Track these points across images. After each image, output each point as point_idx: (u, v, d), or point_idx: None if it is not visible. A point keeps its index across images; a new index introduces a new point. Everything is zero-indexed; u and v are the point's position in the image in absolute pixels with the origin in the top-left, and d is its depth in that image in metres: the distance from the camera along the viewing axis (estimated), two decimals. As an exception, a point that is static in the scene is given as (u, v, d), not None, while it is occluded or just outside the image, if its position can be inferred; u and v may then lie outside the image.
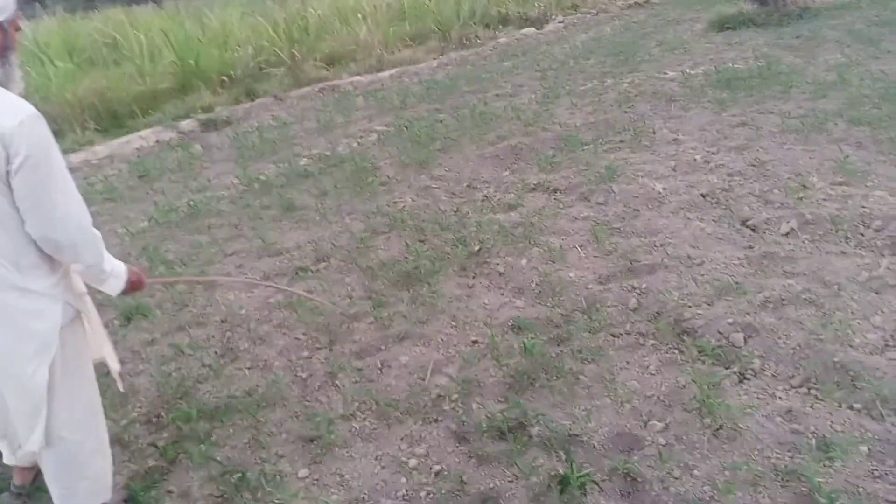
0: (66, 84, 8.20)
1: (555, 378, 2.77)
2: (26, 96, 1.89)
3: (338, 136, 6.80)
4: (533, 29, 11.38)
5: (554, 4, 12.60)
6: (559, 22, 11.77)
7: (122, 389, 2.44)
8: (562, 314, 3.22)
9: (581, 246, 3.86)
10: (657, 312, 3.14)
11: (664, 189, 4.47)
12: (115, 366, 2.35)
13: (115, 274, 2.06)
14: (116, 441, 2.72)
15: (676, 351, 2.89)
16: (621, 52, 8.85)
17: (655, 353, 2.89)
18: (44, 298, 1.90)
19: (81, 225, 1.86)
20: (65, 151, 6.45)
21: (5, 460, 2.40)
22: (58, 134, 7.43)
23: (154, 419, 2.86)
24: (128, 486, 2.46)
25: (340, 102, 8.13)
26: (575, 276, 3.54)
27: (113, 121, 7.85)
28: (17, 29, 1.90)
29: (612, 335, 3.04)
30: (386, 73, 9.29)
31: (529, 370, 2.82)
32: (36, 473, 2.27)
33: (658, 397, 2.62)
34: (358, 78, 9.14)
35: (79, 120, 7.54)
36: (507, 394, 2.73)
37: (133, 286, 2.15)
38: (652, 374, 2.76)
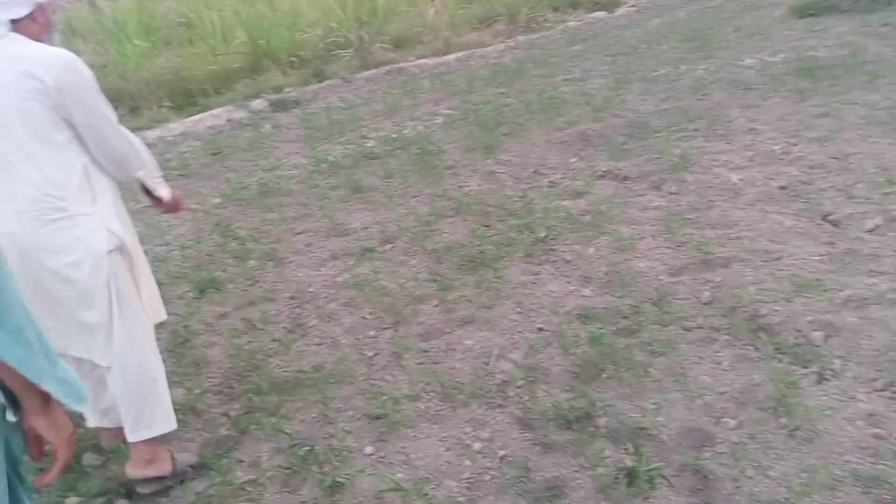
0: (143, 62, 8.44)
1: (623, 369, 2.72)
2: (95, 70, 2.13)
3: (404, 118, 6.81)
4: (604, 13, 11.13)
5: (627, -13, 12.28)
6: (631, 6, 11.47)
7: None
8: (631, 305, 3.16)
9: (652, 236, 3.77)
10: (732, 307, 3.05)
11: (740, 180, 4.33)
12: (154, 317, 2.42)
13: (163, 182, 2.41)
14: (190, 409, 2.82)
15: (751, 347, 2.80)
16: (696, 38, 8.57)
17: (729, 348, 2.81)
18: (87, 222, 2.10)
19: (126, 139, 2.18)
20: (141, 128, 6.73)
21: (90, 423, 2.52)
22: (134, 111, 7.72)
23: (226, 390, 2.94)
24: (200, 454, 2.54)
25: (407, 85, 8.13)
26: (645, 267, 3.46)
27: (187, 99, 8.04)
28: (55, 11, 2.17)
29: (684, 328, 2.97)
30: (452, 56, 9.24)
31: (597, 360, 2.78)
32: (123, 438, 2.37)
33: (731, 394, 2.55)
34: (424, 61, 9.12)
35: (154, 97, 7.77)
36: (573, 383, 2.70)
37: (175, 201, 2.49)
38: (725, 370, 2.69)
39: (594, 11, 11.27)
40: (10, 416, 1.28)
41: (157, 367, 2.33)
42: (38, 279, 2.09)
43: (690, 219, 3.92)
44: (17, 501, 1.46)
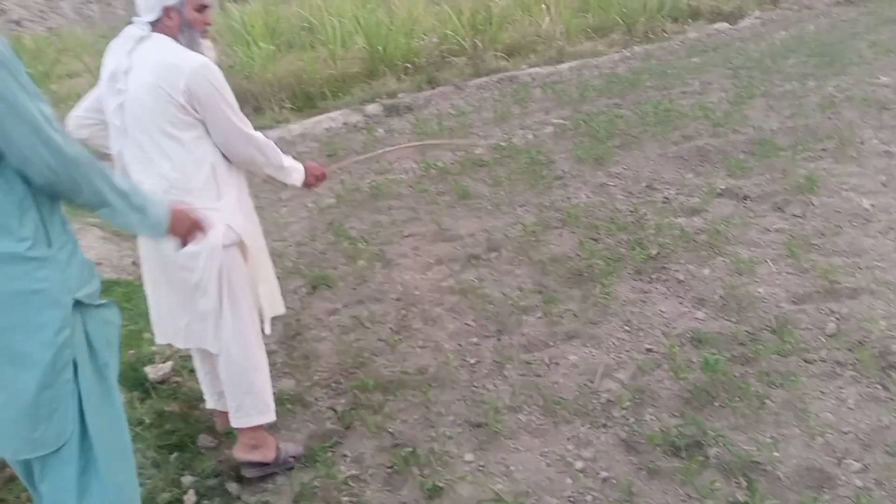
0: (268, 65, 8.86)
1: (737, 399, 2.61)
2: (230, 75, 2.22)
3: (514, 126, 6.81)
4: (726, 24, 10.70)
5: (751, -1, 11.77)
6: (756, 18, 10.97)
7: (267, 332, 2.62)
8: (748, 332, 3.02)
9: (773, 260, 3.59)
10: (859, 341, 2.86)
11: (872, 206, 4.05)
12: (269, 310, 2.53)
13: (295, 168, 2.47)
14: (298, 400, 2.93)
15: (880, 387, 2.61)
16: (826, 53, 8.10)
17: (855, 385, 2.64)
18: (209, 216, 2.16)
19: (251, 139, 2.28)
20: (263, 127, 7.03)
21: (208, 405, 2.67)
22: (257, 110, 8.08)
23: (333, 384, 3.03)
24: (306, 445, 2.63)
25: (518, 93, 8.12)
26: (765, 292, 3.30)
27: (306, 101, 8.36)
28: (200, 9, 2.22)
29: (805, 360, 2.81)
30: (565, 65, 9.14)
31: (709, 387, 2.68)
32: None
33: (856, 435, 2.39)
34: (537, 69, 9.08)
35: (276, 99, 8.12)
36: (683, 409, 2.61)
37: (316, 179, 2.56)
38: (850, 408, 2.52)
39: (716, 22, 10.85)
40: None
41: (259, 360, 2.43)
42: (164, 264, 2.28)
43: (816, 244, 3.71)
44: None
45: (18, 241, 1.45)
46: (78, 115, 2.36)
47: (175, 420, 2.83)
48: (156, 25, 2.18)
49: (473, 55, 9.28)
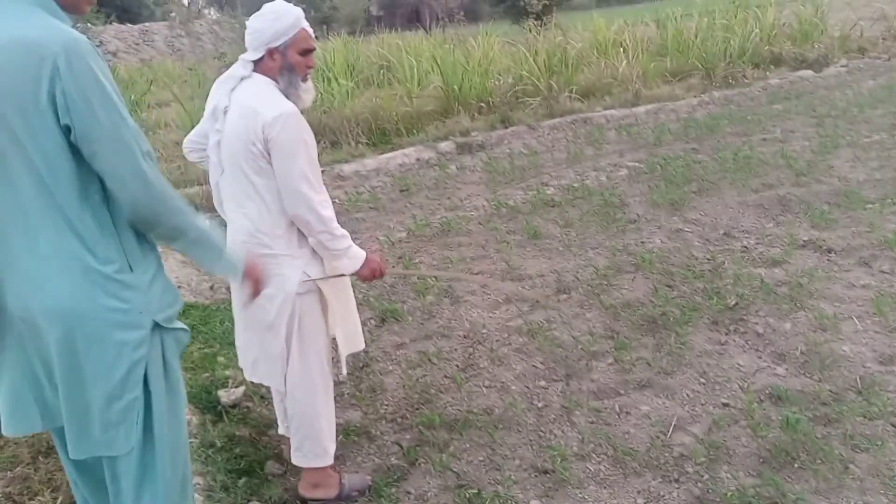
0: (346, 101, 9.15)
1: (819, 461, 2.48)
2: (309, 109, 2.26)
3: (586, 168, 6.79)
4: (810, 72, 10.43)
5: (837, 46, 11.41)
6: (842, 66, 10.66)
7: (343, 373, 2.64)
8: (831, 391, 2.88)
9: (858, 317, 3.43)
10: (955, 409, 2.69)
11: (970, 265, 3.83)
12: (344, 349, 2.54)
13: (351, 255, 2.33)
14: (364, 433, 2.95)
15: (980, 460, 2.44)
16: (918, 103, 7.80)
17: (950, 456, 2.47)
18: (286, 265, 2.26)
19: (309, 204, 2.18)
20: (339, 161, 7.22)
21: (280, 430, 2.71)
22: (335, 145, 8.31)
23: (398, 419, 3.04)
24: (372, 477, 2.64)
25: (591, 135, 8.11)
26: (849, 351, 3.15)
27: (381, 136, 8.56)
28: (304, 53, 2.24)
29: (894, 426, 2.65)
30: (641, 109, 9.08)
31: (789, 447, 2.55)
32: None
33: (953, 510, 2.23)
34: (612, 112, 9.05)
35: (353, 133, 8.35)
36: (760, 468, 2.50)
37: (371, 273, 2.39)
38: (945, 480, 2.36)
39: (799, 70, 10.60)
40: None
41: (321, 407, 2.43)
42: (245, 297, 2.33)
43: (906, 303, 3.52)
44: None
45: (104, 262, 1.54)
46: (191, 139, 2.47)
47: (245, 445, 2.88)
48: (258, 65, 2.23)
49: (548, 96, 9.33)
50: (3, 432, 1.68)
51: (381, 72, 11.52)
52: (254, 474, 2.73)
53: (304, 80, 2.27)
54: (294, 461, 2.48)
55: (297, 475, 2.65)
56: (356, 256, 2.34)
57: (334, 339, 2.47)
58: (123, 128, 1.50)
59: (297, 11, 2.24)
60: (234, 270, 1.85)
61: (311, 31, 2.27)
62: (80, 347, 1.53)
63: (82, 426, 1.60)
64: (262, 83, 2.22)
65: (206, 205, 6.60)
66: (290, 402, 2.42)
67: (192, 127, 2.53)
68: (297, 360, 2.34)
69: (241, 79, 2.24)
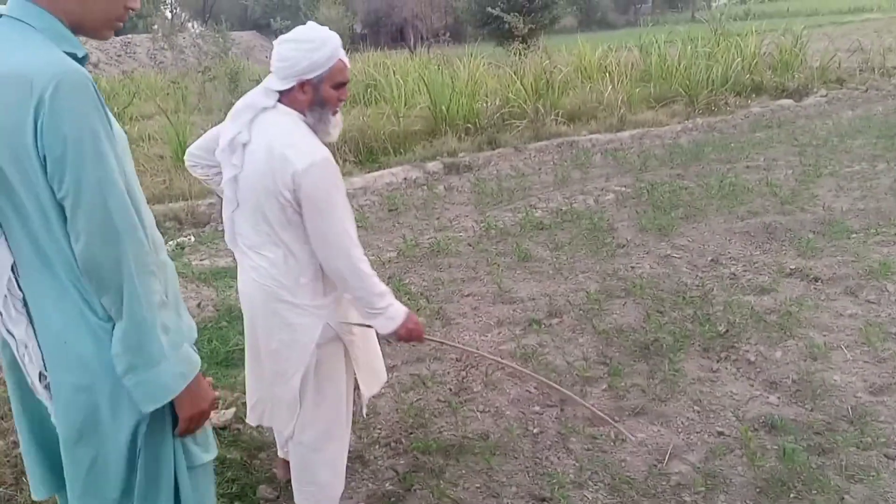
0: (334, 118, 9.16)
1: (815, 492, 2.49)
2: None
3: (574, 191, 6.84)
4: (790, 101, 10.65)
5: (816, 77, 11.67)
6: (821, 96, 10.89)
7: (363, 416, 2.61)
8: (824, 421, 2.90)
9: (848, 347, 3.47)
10: (947, 440, 2.72)
11: (953, 296, 3.91)
12: (367, 392, 2.51)
13: (389, 315, 2.13)
14: (358, 457, 2.91)
15: (972, 491, 2.47)
16: (896, 135, 7.98)
17: (943, 487, 2.50)
18: (308, 315, 2.13)
19: (349, 260, 2.03)
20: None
21: (280, 454, 2.67)
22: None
23: (393, 443, 3.00)
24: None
25: (578, 158, 8.19)
26: (840, 381, 3.18)
27: (369, 155, 8.58)
28: (338, 86, 2.07)
29: (887, 456, 2.67)
30: (626, 133, 9.20)
31: (785, 477, 2.57)
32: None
33: (949, 543, 2.25)
34: (597, 136, 9.15)
35: (341, 152, 8.35)
36: (758, 498, 2.50)
37: (408, 334, 2.19)
38: (940, 512, 2.38)
39: (780, 98, 10.82)
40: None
41: (331, 455, 2.32)
42: (259, 340, 2.24)
43: (893, 333, 3.57)
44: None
45: (106, 318, 1.41)
46: (193, 154, 2.34)
47: (236, 468, 2.83)
48: (284, 95, 2.05)
49: (535, 119, 9.43)
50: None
51: (368, 90, 11.55)
52: (246, 499, 2.68)
53: (335, 114, 2.10)
54: (296, 500, 2.41)
55: (290, 498, 2.60)
56: (395, 317, 2.14)
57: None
58: (108, 187, 1.32)
59: (336, 41, 2.04)
60: (156, 396, 1.43)
61: (347, 61, 2.08)
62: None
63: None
64: (288, 117, 2.04)
65: (192, 220, 6.56)
66: (293, 449, 2.33)
67: (178, 140, 2.45)
68: (310, 409, 2.22)
69: (263, 110, 2.05)
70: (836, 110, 10.06)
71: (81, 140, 1.28)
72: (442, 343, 2.74)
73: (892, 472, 2.60)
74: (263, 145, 2.00)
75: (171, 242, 5.82)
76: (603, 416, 2.62)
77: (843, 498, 2.47)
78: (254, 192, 2.04)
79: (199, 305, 4.48)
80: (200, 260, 5.50)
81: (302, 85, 2.02)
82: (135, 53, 28.07)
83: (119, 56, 27.73)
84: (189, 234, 6.19)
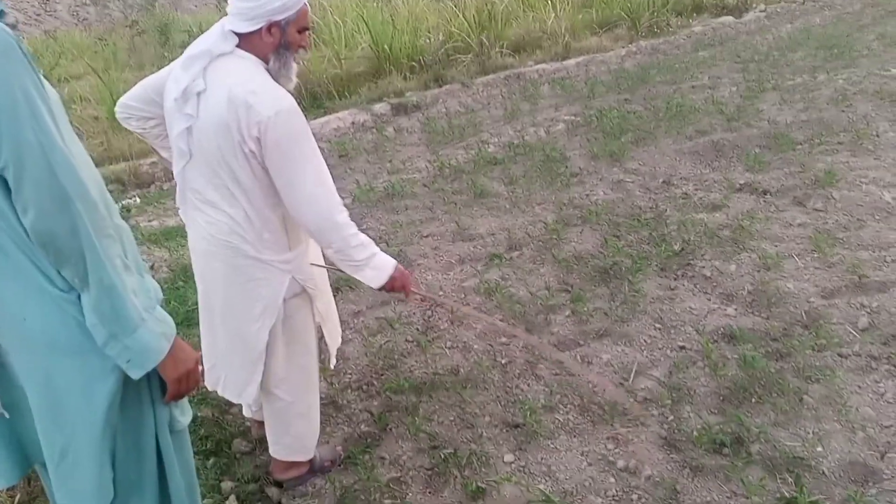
0: (273, 65, 8.84)
1: (776, 395, 2.60)
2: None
3: (525, 124, 6.80)
4: (731, 18, 10.69)
5: (755, -9, 11.75)
6: (760, 11, 10.96)
7: (332, 365, 2.61)
8: (780, 327, 3.02)
9: (799, 255, 3.59)
10: (893, 335, 2.86)
11: (893, 199, 4.05)
12: (333, 343, 2.51)
13: (375, 266, 2.07)
14: (331, 403, 2.92)
15: (918, 380, 2.61)
16: (834, 46, 8.10)
17: (891, 379, 2.64)
18: (274, 270, 2.08)
19: (326, 211, 1.95)
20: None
21: (245, 413, 2.66)
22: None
23: (365, 386, 3.02)
24: (345, 447, 2.63)
25: (526, 90, 8.12)
26: (794, 288, 3.30)
27: (313, 101, 8.34)
28: (302, 30, 2.00)
29: (840, 355, 2.80)
30: (572, 62, 9.14)
31: (747, 383, 2.67)
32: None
33: (898, 429, 2.39)
34: (543, 66, 9.07)
35: (283, 99, 8.10)
36: (722, 406, 2.61)
37: (394, 285, 2.13)
38: (889, 402, 2.52)
39: (720, 16, 10.84)
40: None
41: (305, 407, 2.32)
42: (214, 301, 2.17)
43: (840, 238, 3.70)
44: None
45: (66, 289, 1.34)
46: (128, 105, 2.15)
47: (209, 425, 2.82)
48: (244, 39, 1.93)
49: (479, 53, 9.26)
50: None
51: (307, 33, 11.16)
52: (221, 454, 2.68)
53: (296, 60, 2.02)
54: (272, 454, 2.41)
55: (265, 451, 2.60)
56: (382, 267, 2.08)
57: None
58: (51, 151, 1.23)
59: None
60: (140, 359, 1.40)
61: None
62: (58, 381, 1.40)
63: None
64: (247, 63, 1.93)
65: (135, 182, 6.34)
66: (268, 407, 2.30)
67: (112, 100, 2.27)
68: (281, 364, 2.20)
69: (219, 56, 1.92)
70: (776, 24, 10.15)
71: (15, 104, 1.19)
72: (426, 297, 2.71)
73: (847, 370, 2.73)
74: (223, 93, 1.87)
75: (115, 206, 5.62)
76: (547, 346, 2.67)
77: (801, 398, 2.59)
78: (212, 143, 1.92)
79: (152, 267, 4.37)
80: (149, 221, 5.35)
81: (270, 27, 1.91)
82: (55, 11, 26.51)
83: (38, 15, 26.16)
84: (134, 196, 5.99)
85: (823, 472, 2.26)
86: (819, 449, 2.34)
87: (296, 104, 1.92)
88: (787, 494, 2.16)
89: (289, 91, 1.98)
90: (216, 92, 1.89)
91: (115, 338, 1.34)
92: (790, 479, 2.22)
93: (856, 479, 2.23)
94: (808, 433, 2.41)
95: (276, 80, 1.97)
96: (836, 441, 2.37)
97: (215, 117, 1.89)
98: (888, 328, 2.91)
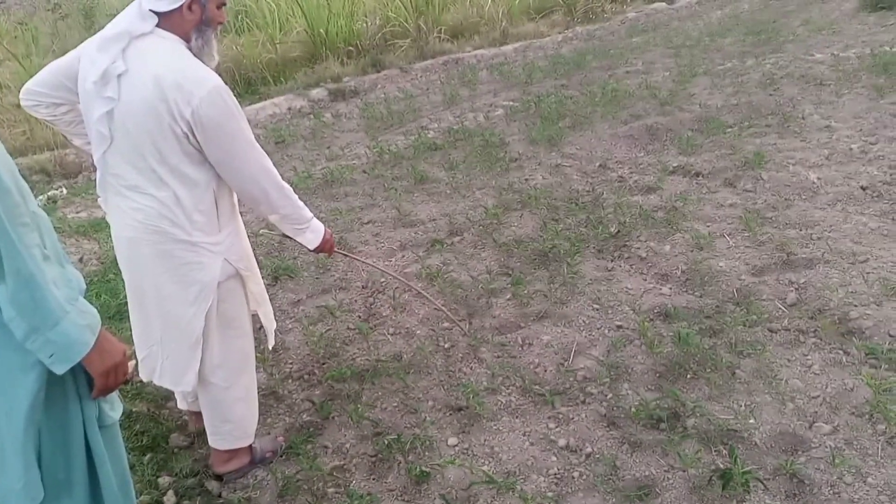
0: (205, 50, 8.58)
1: (710, 370, 2.68)
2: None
3: (464, 109, 6.80)
4: (663, 3, 10.93)
5: (686, -21, 12.01)
6: (691, -4, 11.25)
7: (270, 346, 2.58)
8: (713, 305, 3.11)
9: (730, 234, 3.70)
10: (819, 310, 2.98)
11: (818, 179, 4.21)
12: (269, 325, 2.48)
13: (314, 229, 2.22)
14: (271, 394, 2.87)
15: (841, 352, 2.73)
16: (762, 31, 8.37)
17: (818, 352, 2.75)
18: (206, 252, 2.04)
19: (270, 178, 2.01)
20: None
21: (180, 405, 2.58)
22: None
23: (306, 375, 2.98)
24: (287, 437, 2.58)
25: (464, 75, 8.12)
26: (725, 266, 3.40)
27: (247, 87, 8.16)
28: (220, 6, 1.98)
29: (770, 330, 2.90)
30: (510, 47, 9.18)
31: (682, 360, 2.74)
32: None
33: (824, 398, 2.49)
34: (481, 51, 9.08)
35: (217, 85, 7.89)
36: (658, 382, 2.67)
37: (325, 246, 2.29)
38: (816, 373, 2.62)
39: (653, 2, 11.08)
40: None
41: (242, 392, 2.29)
42: (145, 289, 2.09)
43: (769, 218, 3.83)
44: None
45: None
46: (35, 91, 2.05)
47: (144, 420, 2.74)
48: (165, 18, 1.88)
49: (417, 38, 9.22)
50: None
51: (239, 17, 10.86)
52: (158, 449, 2.61)
53: (216, 37, 1.99)
54: (211, 444, 2.35)
55: (204, 444, 2.54)
56: (319, 229, 2.24)
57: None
58: None
59: None
60: (65, 353, 1.35)
61: None
62: None
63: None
64: (169, 42, 1.89)
65: (61, 172, 6.07)
66: (205, 395, 2.25)
67: None
68: (217, 348, 2.15)
69: (139, 36, 1.87)
70: (706, 10, 10.43)
71: None
72: (346, 255, 2.76)
73: (776, 344, 2.83)
74: (149, 74, 1.82)
75: (41, 197, 5.37)
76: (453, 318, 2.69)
77: (734, 373, 2.67)
78: (139, 126, 1.86)
79: (81, 260, 4.20)
80: (76, 212, 5.13)
81: (191, 3, 1.88)
82: (-32, -7, 25.11)
83: (-50, -3, 24.74)
84: (60, 187, 5.73)
85: (756, 443, 2.34)
86: (751, 421, 2.42)
87: (221, 82, 1.89)
88: (721, 466, 2.22)
89: (213, 70, 1.94)
90: (139, 73, 1.84)
91: (36, 331, 1.28)
92: (724, 451, 2.29)
93: (786, 448, 2.32)
94: (741, 406, 2.49)
95: (199, 58, 1.94)
96: (767, 413, 2.46)
97: (141, 99, 1.83)
98: (815, 303, 3.03)
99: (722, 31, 8.66)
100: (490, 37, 9.58)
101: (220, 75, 1.96)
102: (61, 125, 2.14)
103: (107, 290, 3.73)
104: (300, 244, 2.28)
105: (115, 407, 1.56)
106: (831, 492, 2.12)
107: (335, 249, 2.39)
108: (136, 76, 1.84)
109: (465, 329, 2.96)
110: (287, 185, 2.08)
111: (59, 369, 1.33)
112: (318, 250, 2.29)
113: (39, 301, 1.27)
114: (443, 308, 2.96)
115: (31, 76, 2.10)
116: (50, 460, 1.43)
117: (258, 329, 3.30)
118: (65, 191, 5.62)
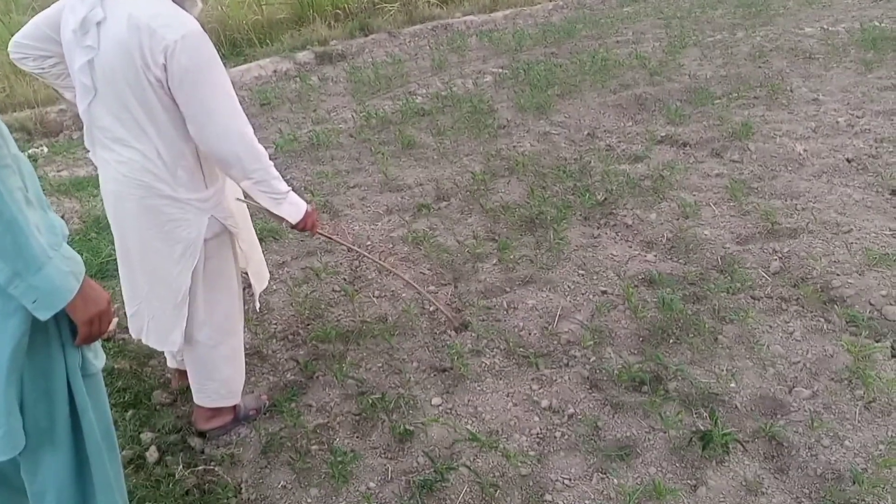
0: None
1: (693, 335, 2.71)
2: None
3: (452, 75, 6.72)
4: (654, -25, 10.80)
5: (678, -51, 11.87)
6: (682, -32, 11.12)
7: (257, 309, 2.56)
8: (697, 272, 3.12)
9: (715, 203, 3.71)
10: (801, 278, 3.01)
11: (805, 151, 4.23)
12: (258, 286, 2.46)
13: (292, 201, 2.07)
14: (256, 353, 2.87)
15: (822, 319, 2.76)
16: (752, 4, 8.32)
17: (800, 319, 2.78)
18: (191, 209, 2.00)
19: (243, 137, 1.87)
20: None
21: (169, 363, 2.57)
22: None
23: (290, 336, 2.97)
24: (271, 396, 2.58)
25: (454, 41, 8.01)
26: (710, 234, 3.41)
27: (232, 48, 8.00)
28: None
29: (753, 297, 2.93)
30: (500, 14, 9.07)
31: (665, 325, 2.77)
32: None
33: (804, 364, 2.53)
34: (471, 17, 8.96)
35: (201, 45, 7.73)
36: (641, 346, 2.69)
37: (307, 222, 2.16)
38: (797, 340, 2.66)
39: (645, -27, 10.92)
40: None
41: (229, 351, 2.27)
42: (131, 245, 2.07)
43: (755, 188, 3.85)
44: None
45: None
46: (22, 44, 1.99)
47: (127, 377, 2.73)
48: None
49: (406, 2, 9.06)
50: None
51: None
52: (141, 406, 2.60)
53: None
54: (196, 401, 2.35)
55: (187, 402, 2.54)
56: (298, 203, 2.09)
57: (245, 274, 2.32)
58: None
59: None
60: (48, 301, 1.33)
61: None
62: None
63: None
64: None
65: (42, 130, 5.95)
66: (191, 353, 2.23)
67: None
68: (203, 306, 2.12)
69: None
70: (698, -17, 10.32)
71: None
72: (329, 238, 2.69)
73: (759, 311, 2.86)
74: (124, 20, 1.75)
75: (11, 135, 5.27)
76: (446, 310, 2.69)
77: (716, 338, 2.70)
78: (116, 75, 1.79)
79: (62, 219, 4.13)
80: (58, 171, 5.04)
81: None
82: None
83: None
84: (41, 145, 5.63)
85: (736, 406, 2.37)
86: (732, 385, 2.45)
87: (202, 29, 1.81)
88: (702, 428, 2.25)
89: (195, 18, 1.86)
90: (117, 20, 1.77)
91: (18, 276, 1.26)
92: (705, 414, 2.32)
93: (766, 412, 2.36)
94: (723, 370, 2.52)
95: (180, 5, 1.86)
96: (748, 377, 2.49)
97: (116, 45, 1.76)
98: (797, 272, 3.06)
99: (713, 3, 8.61)
100: (480, 3, 9.44)
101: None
102: (50, 78, 2.08)
103: (88, 249, 3.69)
104: (281, 221, 2.12)
105: (98, 356, 1.54)
106: (809, 454, 2.16)
107: (318, 230, 2.27)
108: (113, 23, 1.77)
109: (455, 321, 2.92)
110: (264, 151, 1.94)
111: (43, 315, 1.31)
112: (300, 227, 2.15)
113: (22, 245, 1.24)
114: (435, 301, 2.94)
115: (11, 33, 2.04)
116: (32, 408, 1.42)
117: (245, 289, 3.29)
118: (46, 149, 5.52)
